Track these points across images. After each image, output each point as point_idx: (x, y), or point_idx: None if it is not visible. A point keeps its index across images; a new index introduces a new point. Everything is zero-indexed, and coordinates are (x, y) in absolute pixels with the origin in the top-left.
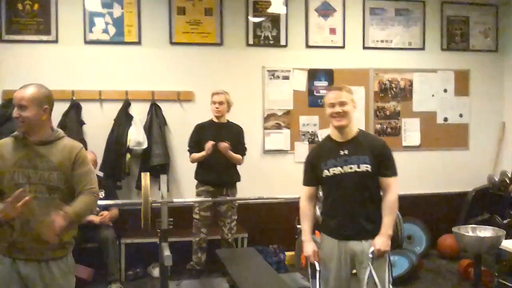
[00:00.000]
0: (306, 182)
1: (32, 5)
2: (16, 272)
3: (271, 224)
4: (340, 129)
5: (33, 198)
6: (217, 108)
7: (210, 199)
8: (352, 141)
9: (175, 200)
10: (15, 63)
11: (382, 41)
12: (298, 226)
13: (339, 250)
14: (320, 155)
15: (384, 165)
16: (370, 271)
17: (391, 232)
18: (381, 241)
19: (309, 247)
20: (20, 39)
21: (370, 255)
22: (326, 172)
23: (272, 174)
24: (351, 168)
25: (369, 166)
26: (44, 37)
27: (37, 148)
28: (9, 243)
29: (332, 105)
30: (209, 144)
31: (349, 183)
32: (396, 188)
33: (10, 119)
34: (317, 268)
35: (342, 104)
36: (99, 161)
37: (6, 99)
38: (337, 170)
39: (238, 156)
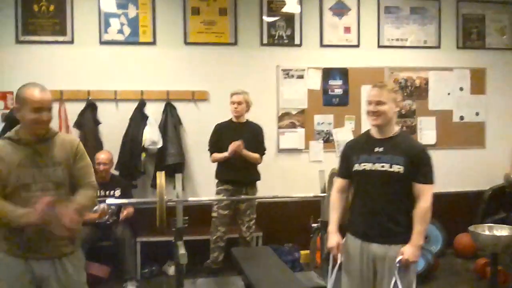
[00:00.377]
0: (339, 174)
1: (48, 6)
2: (29, 272)
3: (286, 222)
4: (378, 126)
5: (42, 196)
6: (236, 108)
7: (225, 198)
8: (390, 140)
9: (190, 198)
10: (31, 64)
11: (397, 40)
12: (313, 225)
13: (361, 252)
14: (354, 149)
15: (420, 171)
16: (395, 281)
17: (422, 242)
18: (410, 251)
19: (333, 239)
20: (36, 40)
21: (397, 264)
22: (356, 166)
23: (287, 173)
24: (382, 166)
25: (401, 167)
26: (60, 38)
27: (37, 146)
28: (21, 243)
29: (370, 103)
30: (233, 146)
31: (377, 181)
32: (430, 196)
33: None
34: (339, 260)
35: (379, 103)
36: (115, 160)
37: None
38: (368, 166)
39: (255, 155)
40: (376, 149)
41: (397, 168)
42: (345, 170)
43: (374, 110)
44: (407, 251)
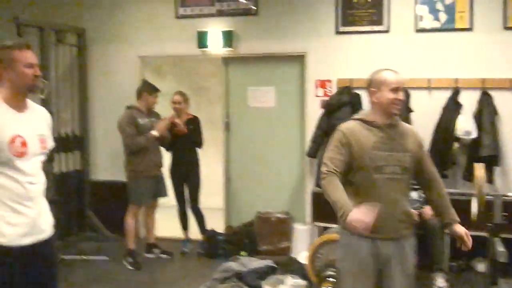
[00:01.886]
0: None
1: None
2: (375, 253)
3: None
4: None
5: (390, 179)
6: None
7: None
8: None
9: (510, 194)
10: (348, 53)
11: None
12: None
13: None
14: None
15: None
16: None
17: None
18: None
19: None
20: (354, 30)
21: None
22: None
23: None
24: None
25: None
26: (376, 28)
27: (388, 131)
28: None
29: None
30: None
31: None
32: None
33: (345, 105)
34: None
35: None
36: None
37: (340, 87)
38: None
39: None
40: None
41: None
42: None
43: None
44: None
